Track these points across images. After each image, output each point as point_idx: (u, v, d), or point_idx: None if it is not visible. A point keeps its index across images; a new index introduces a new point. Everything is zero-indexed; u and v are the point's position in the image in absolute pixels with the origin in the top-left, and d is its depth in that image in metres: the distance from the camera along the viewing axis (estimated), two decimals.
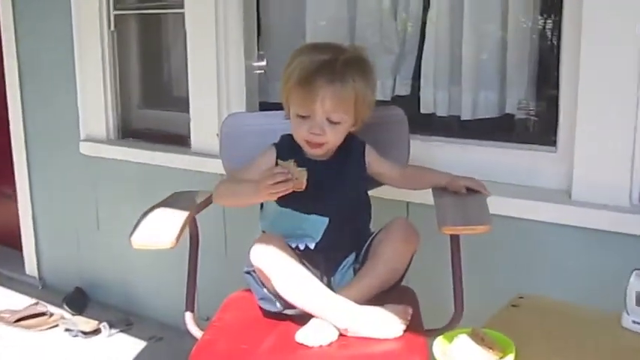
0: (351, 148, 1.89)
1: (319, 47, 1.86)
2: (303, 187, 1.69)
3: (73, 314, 3.26)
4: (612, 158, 1.97)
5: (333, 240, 1.83)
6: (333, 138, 1.81)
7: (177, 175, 2.86)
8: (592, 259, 2.02)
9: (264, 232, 1.90)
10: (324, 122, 1.78)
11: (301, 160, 1.75)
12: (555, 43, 2.25)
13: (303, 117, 1.79)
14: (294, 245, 1.82)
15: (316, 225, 1.82)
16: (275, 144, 1.90)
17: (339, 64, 1.77)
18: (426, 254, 2.03)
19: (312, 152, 1.83)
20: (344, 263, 1.85)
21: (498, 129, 2.35)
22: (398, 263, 1.78)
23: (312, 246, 1.82)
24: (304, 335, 1.66)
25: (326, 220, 1.82)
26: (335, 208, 1.83)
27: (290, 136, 1.87)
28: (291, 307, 1.73)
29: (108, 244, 3.27)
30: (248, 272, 1.83)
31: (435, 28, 2.38)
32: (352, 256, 1.85)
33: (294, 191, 1.69)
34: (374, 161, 1.92)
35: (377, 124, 1.96)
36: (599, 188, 1.99)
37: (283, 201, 1.78)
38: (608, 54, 1.94)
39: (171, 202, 1.94)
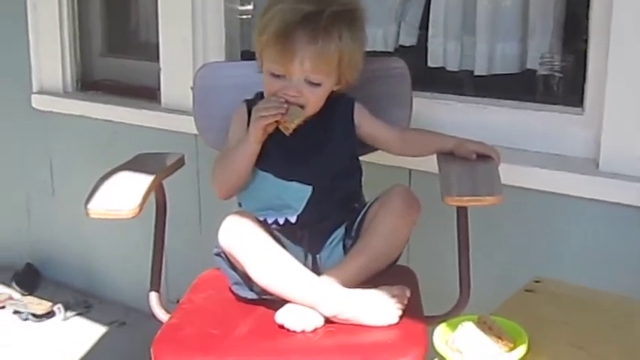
0: (337, 106, 1.88)
1: None
2: (290, 129, 1.74)
3: (23, 294, 3.27)
4: None
5: (318, 212, 1.83)
6: (312, 100, 1.80)
7: (145, 134, 2.86)
8: (621, 239, 2.02)
9: (240, 204, 1.91)
10: (302, 83, 1.77)
11: None
12: None
13: (277, 76, 1.78)
14: (272, 219, 1.82)
15: (298, 194, 1.82)
16: (247, 100, 1.90)
17: (324, 17, 1.74)
18: (429, 229, 2.04)
19: None
20: (332, 237, 1.85)
21: (517, 87, 2.36)
22: (397, 239, 1.77)
23: (293, 219, 1.83)
24: (285, 317, 1.66)
25: (309, 188, 1.82)
26: (319, 174, 1.83)
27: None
28: (270, 293, 1.72)
29: (64, 213, 3.27)
30: (218, 254, 1.83)
31: None
32: (342, 230, 1.85)
33: (278, 131, 1.75)
34: (365, 121, 1.91)
35: (374, 78, 1.96)
36: (631, 157, 1.99)
37: (262, 164, 1.81)
38: None
39: (136, 165, 1.94)
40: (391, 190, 1.79)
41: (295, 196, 1.83)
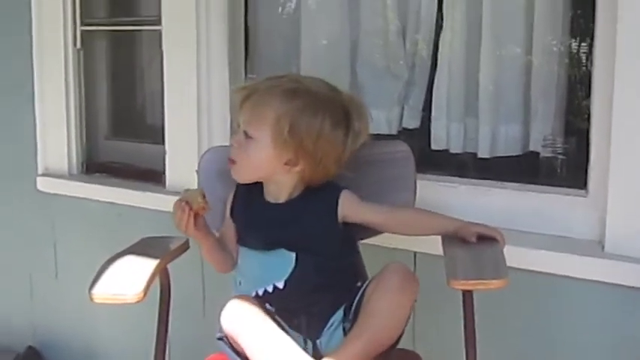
0: (321, 190, 1.91)
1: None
2: (205, 206, 1.83)
3: None
4: None
5: (306, 280, 1.85)
6: (244, 156, 1.88)
7: (150, 217, 2.85)
8: (628, 322, 2.01)
9: (240, 282, 1.94)
10: (242, 135, 1.88)
11: (257, 202, 1.93)
12: (587, 69, 2.28)
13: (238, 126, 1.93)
14: (262, 290, 1.86)
15: (282, 260, 1.86)
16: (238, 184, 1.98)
17: (286, 79, 1.90)
18: (435, 312, 2.03)
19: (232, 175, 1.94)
20: (331, 321, 1.84)
21: (520, 169, 2.37)
22: (396, 318, 1.75)
23: (280, 285, 1.85)
24: None
25: (292, 255, 1.86)
26: (299, 243, 1.86)
27: None
28: None
29: (67, 295, 3.25)
30: (221, 338, 1.84)
31: (449, 52, 2.41)
32: (340, 313, 1.85)
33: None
34: (352, 211, 1.91)
35: (378, 162, 1.98)
36: (637, 238, 1.99)
37: (241, 241, 1.96)
38: None
39: (140, 248, 1.96)
40: (386, 268, 1.78)
41: (279, 262, 1.86)
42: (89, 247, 3.08)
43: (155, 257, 1.86)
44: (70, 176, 3.22)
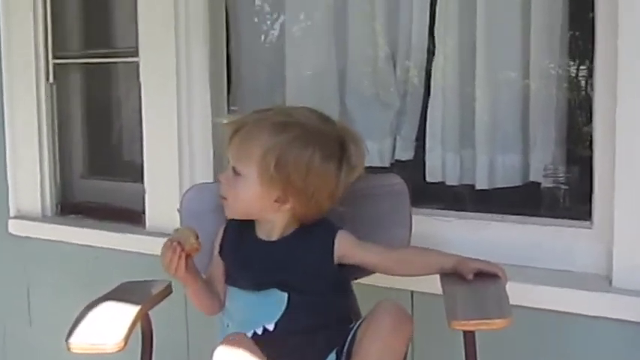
0: (316, 228, 1.90)
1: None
2: (198, 247, 1.81)
3: None
4: None
5: (297, 321, 1.83)
6: (233, 194, 1.88)
7: (129, 260, 2.84)
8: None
9: (228, 325, 1.92)
10: (230, 171, 1.89)
11: (249, 239, 1.92)
12: (587, 93, 2.30)
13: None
14: (251, 332, 1.83)
15: (272, 301, 1.84)
16: (229, 220, 1.97)
17: (271, 114, 1.90)
18: (435, 355, 2.01)
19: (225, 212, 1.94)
20: None
21: (521, 200, 2.37)
22: (390, 358, 1.73)
23: (270, 327, 1.83)
24: None
25: (284, 295, 1.84)
26: (291, 282, 1.84)
27: None
28: None
29: (42, 344, 3.21)
30: None
31: (442, 78, 2.41)
32: (333, 356, 1.83)
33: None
34: (349, 251, 1.89)
35: (371, 196, 1.98)
36: None
37: (230, 280, 1.94)
38: None
39: (120, 294, 1.94)
40: (378, 307, 1.76)
41: (270, 302, 1.85)
42: (65, 293, 3.06)
43: (136, 303, 1.85)
44: (44, 218, 3.22)
